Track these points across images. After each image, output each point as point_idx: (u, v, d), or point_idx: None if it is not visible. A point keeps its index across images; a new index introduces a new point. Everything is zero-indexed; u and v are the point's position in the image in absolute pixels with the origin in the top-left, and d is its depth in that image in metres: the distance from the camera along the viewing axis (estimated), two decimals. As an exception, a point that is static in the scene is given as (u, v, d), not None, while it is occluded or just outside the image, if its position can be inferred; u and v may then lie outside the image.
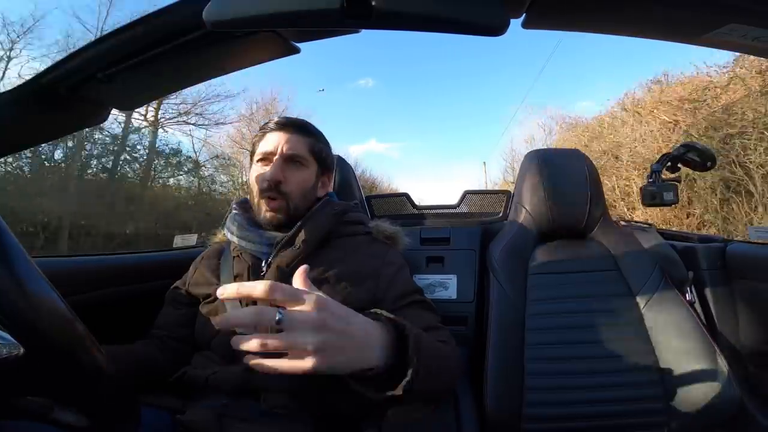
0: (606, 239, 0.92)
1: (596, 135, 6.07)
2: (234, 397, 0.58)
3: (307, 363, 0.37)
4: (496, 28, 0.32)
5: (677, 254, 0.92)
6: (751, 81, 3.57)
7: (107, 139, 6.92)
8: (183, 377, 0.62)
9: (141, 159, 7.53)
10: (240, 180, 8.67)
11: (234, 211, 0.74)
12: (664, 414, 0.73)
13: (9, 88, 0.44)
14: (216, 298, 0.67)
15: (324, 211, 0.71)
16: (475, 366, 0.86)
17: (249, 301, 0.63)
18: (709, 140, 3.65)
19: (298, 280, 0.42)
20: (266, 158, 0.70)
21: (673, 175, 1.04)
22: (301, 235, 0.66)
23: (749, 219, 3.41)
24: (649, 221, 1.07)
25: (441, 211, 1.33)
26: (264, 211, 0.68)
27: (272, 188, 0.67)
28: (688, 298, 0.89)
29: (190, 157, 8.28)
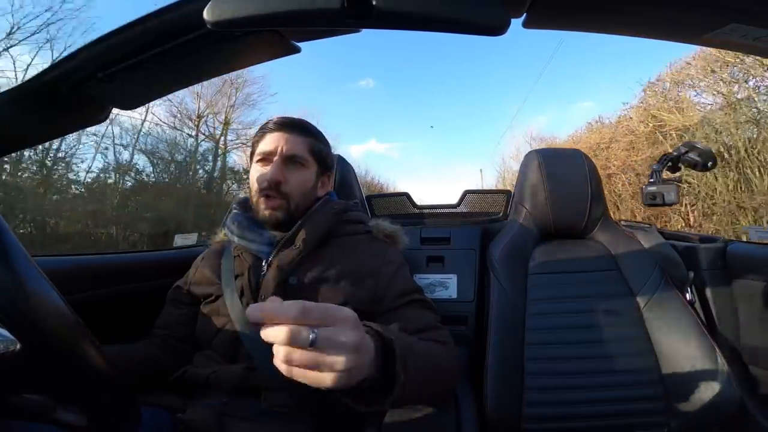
0: (606, 239, 0.92)
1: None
2: (234, 396, 0.58)
3: (329, 379, 0.36)
4: (496, 28, 0.31)
5: (678, 254, 0.92)
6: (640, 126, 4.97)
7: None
8: (184, 376, 0.62)
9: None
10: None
11: (234, 211, 0.74)
12: (664, 414, 0.73)
13: (9, 87, 0.44)
14: (217, 298, 0.67)
15: (324, 210, 0.71)
16: (475, 366, 0.86)
17: (249, 296, 0.64)
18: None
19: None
20: (266, 158, 0.69)
21: (673, 176, 1.03)
22: (301, 235, 0.66)
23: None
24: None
25: (441, 210, 1.33)
26: (263, 209, 0.68)
27: (272, 188, 0.67)
28: (688, 298, 0.89)
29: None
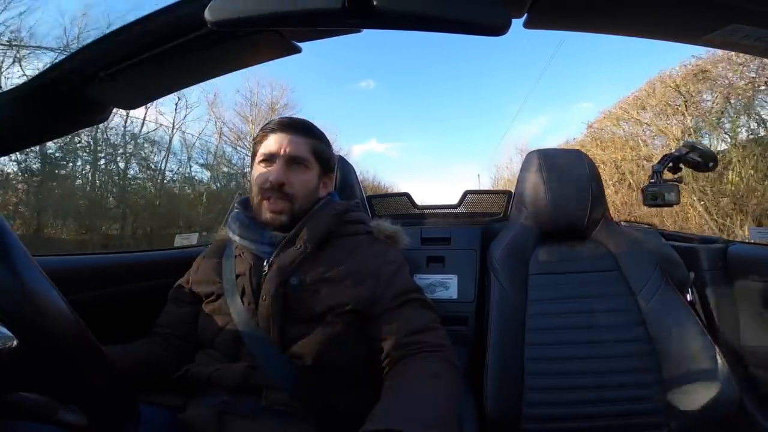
0: (607, 239, 0.92)
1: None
2: (235, 394, 0.58)
3: None
4: (497, 28, 0.31)
5: (678, 255, 0.92)
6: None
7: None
8: (186, 375, 0.62)
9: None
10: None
11: (236, 210, 0.74)
12: (664, 414, 0.73)
13: (11, 87, 0.44)
14: (218, 297, 0.67)
15: (325, 210, 0.71)
16: (476, 366, 0.86)
17: (250, 295, 0.64)
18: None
19: None
20: (269, 159, 0.69)
21: (674, 176, 1.03)
22: (303, 235, 0.66)
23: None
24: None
25: (442, 210, 1.33)
26: (265, 212, 0.68)
27: (275, 189, 0.67)
28: (689, 299, 0.89)
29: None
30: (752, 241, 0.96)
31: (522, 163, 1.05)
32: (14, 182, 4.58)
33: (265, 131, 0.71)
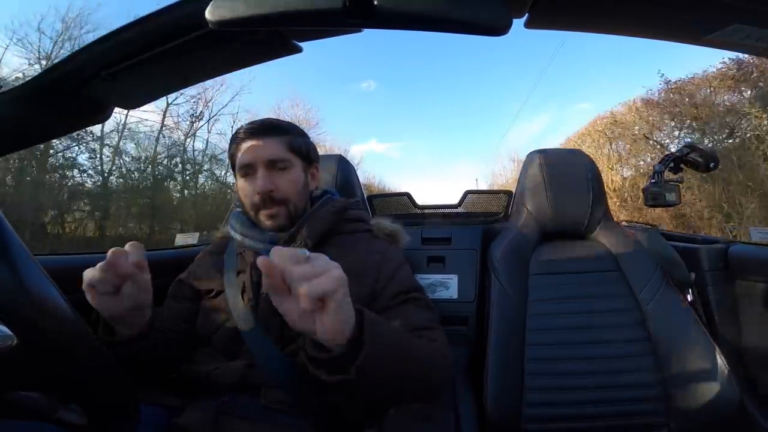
0: (607, 240, 0.92)
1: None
2: (233, 393, 0.58)
3: (327, 283, 0.38)
4: (498, 28, 0.31)
5: (679, 255, 0.92)
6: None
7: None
8: (185, 373, 0.62)
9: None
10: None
11: (237, 209, 0.74)
12: (664, 414, 0.73)
13: (12, 86, 0.44)
14: (218, 294, 0.67)
15: (324, 208, 0.71)
16: (476, 366, 0.86)
17: (251, 293, 0.64)
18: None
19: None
20: (248, 170, 0.68)
21: (675, 176, 1.03)
22: (302, 233, 0.66)
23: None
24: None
25: (442, 210, 1.33)
26: (264, 220, 0.68)
27: (266, 200, 0.67)
28: (689, 299, 0.88)
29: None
30: (753, 241, 0.96)
31: (522, 163, 1.05)
32: (136, 197, 6.45)
33: (236, 141, 0.70)
